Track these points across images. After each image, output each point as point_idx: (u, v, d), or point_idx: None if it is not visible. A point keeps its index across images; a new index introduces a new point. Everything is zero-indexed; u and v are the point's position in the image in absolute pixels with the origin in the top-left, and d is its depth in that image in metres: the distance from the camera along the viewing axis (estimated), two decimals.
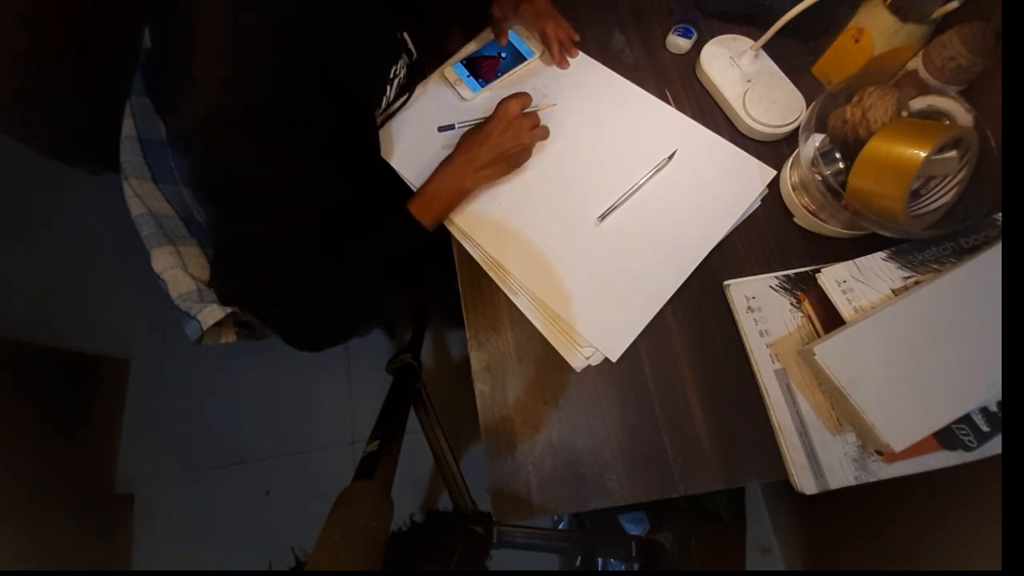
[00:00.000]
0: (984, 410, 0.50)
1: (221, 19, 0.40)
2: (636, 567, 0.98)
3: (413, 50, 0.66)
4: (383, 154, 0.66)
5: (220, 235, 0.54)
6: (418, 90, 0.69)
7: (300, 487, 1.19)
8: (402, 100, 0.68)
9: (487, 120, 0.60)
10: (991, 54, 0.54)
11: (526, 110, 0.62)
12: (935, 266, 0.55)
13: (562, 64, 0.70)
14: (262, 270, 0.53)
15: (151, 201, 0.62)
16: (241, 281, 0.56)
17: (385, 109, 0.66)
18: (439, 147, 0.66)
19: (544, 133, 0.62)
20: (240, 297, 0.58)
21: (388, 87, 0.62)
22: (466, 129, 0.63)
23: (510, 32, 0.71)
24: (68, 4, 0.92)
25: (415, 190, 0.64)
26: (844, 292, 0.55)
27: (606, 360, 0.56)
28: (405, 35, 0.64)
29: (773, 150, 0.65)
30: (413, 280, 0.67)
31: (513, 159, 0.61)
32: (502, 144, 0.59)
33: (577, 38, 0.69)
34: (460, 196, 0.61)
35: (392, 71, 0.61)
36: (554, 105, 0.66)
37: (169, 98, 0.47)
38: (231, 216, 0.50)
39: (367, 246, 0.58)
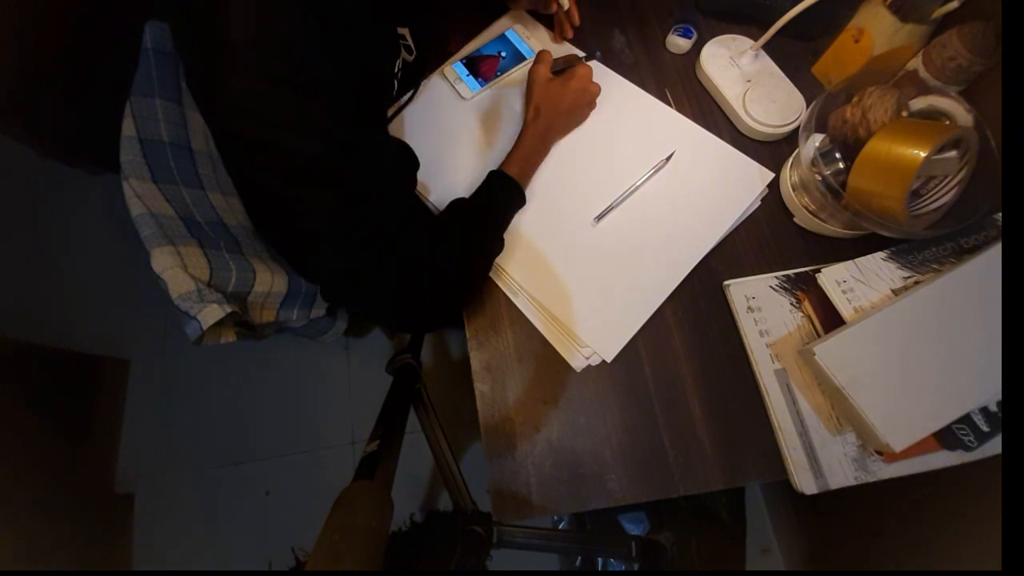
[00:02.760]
0: (984, 410, 0.50)
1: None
2: (636, 567, 0.98)
3: (412, 47, 0.66)
4: None
5: (311, 218, 0.48)
6: (418, 89, 0.69)
7: (300, 487, 1.19)
8: (406, 98, 0.68)
9: (558, 78, 0.63)
10: (991, 54, 0.54)
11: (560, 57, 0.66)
12: (935, 266, 0.55)
13: (555, 39, 0.72)
14: (367, 243, 0.48)
15: (151, 201, 0.62)
16: (334, 267, 0.51)
17: (394, 102, 0.66)
18: (438, 146, 0.66)
19: (598, 88, 0.65)
20: (335, 283, 0.56)
21: (395, 81, 0.62)
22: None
23: (509, 31, 0.71)
24: (68, 4, 0.92)
25: (417, 191, 0.64)
26: (844, 292, 0.55)
27: (606, 360, 0.56)
28: (405, 32, 0.64)
29: (773, 150, 0.65)
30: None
31: (586, 109, 0.66)
32: (577, 96, 0.63)
33: (577, 22, 0.69)
34: (546, 154, 0.64)
35: (396, 66, 0.61)
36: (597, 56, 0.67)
37: (207, 77, 0.44)
38: (317, 186, 0.45)
39: (469, 214, 0.57)
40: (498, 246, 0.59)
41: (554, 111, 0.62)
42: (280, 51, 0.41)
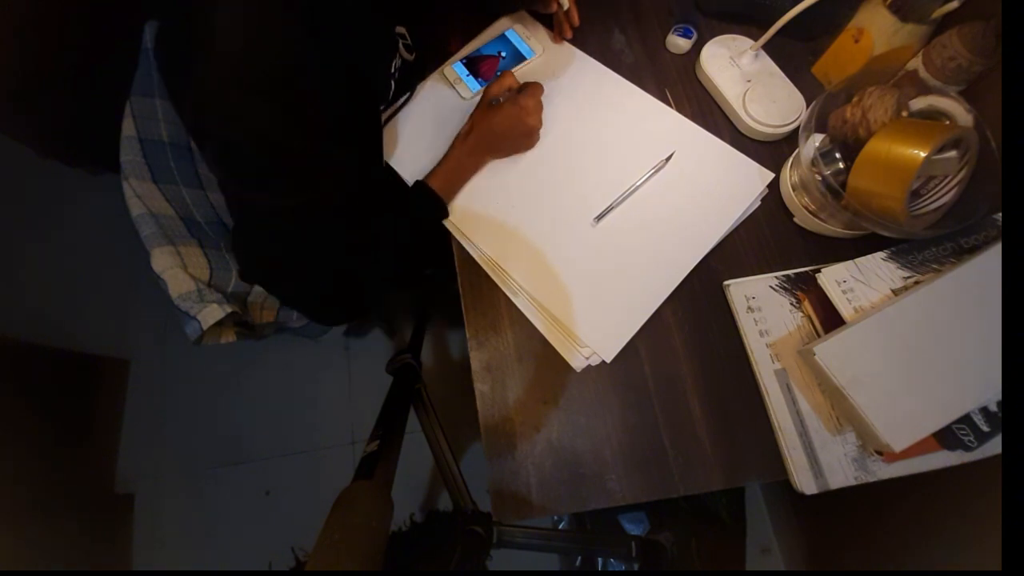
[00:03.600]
0: (984, 410, 0.50)
1: None
2: (636, 567, 0.98)
3: (411, 45, 0.66)
4: (383, 154, 0.66)
5: (240, 208, 0.55)
6: (418, 89, 0.69)
7: (300, 487, 1.19)
8: (403, 99, 0.68)
9: (504, 102, 0.63)
10: (991, 54, 0.54)
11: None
12: (935, 266, 0.55)
13: (555, 39, 0.71)
14: (281, 243, 0.54)
15: (151, 201, 0.62)
16: (259, 252, 0.57)
17: (390, 104, 0.66)
18: (437, 146, 0.66)
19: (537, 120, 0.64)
20: (257, 266, 0.59)
21: (391, 81, 0.62)
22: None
23: (509, 31, 0.71)
24: (68, 4, 0.92)
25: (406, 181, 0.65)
26: (844, 292, 0.55)
27: (606, 360, 0.56)
28: (403, 31, 0.64)
29: (773, 150, 0.65)
30: (418, 276, 0.69)
31: (521, 139, 0.64)
32: (512, 123, 0.62)
33: (577, 23, 0.69)
34: (475, 170, 0.64)
35: (392, 66, 0.61)
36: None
37: (189, 71, 0.47)
38: (253, 187, 0.50)
39: (387, 221, 0.59)
40: (412, 254, 0.63)
41: (487, 131, 0.61)
42: (263, 63, 0.42)
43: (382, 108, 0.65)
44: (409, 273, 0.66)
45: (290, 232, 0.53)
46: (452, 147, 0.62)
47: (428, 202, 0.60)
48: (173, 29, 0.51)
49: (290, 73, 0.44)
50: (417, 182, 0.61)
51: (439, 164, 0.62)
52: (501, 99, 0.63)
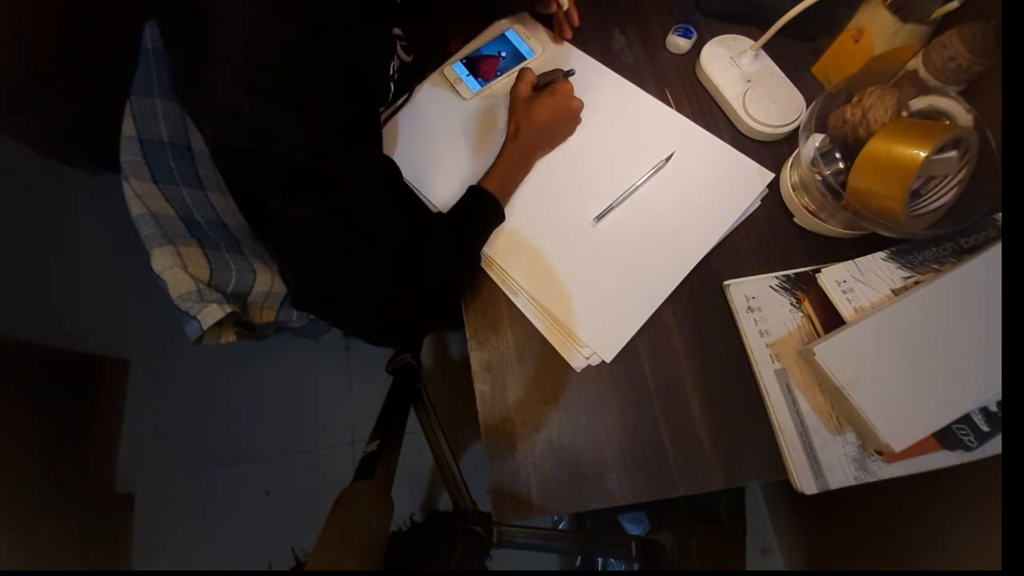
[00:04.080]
0: (984, 410, 0.50)
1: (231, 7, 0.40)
2: (636, 567, 0.98)
3: (409, 47, 0.66)
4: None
5: (284, 230, 0.50)
6: (417, 89, 0.69)
7: (300, 487, 1.19)
8: (401, 100, 0.68)
9: (537, 95, 0.63)
10: (991, 54, 0.54)
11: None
12: (935, 266, 0.55)
13: (555, 39, 0.71)
14: (335, 262, 0.49)
15: (151, 201, 0.62)
16: (312, 278, 0.52)
17: (389, 105, 0.66)
18: (438, 146, 0.66)
19: (580, 103, 0.65)
20: (312, 295, 0.54)
21: (391, 83, 0.62)
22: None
23: (509, 31, 0.71)
24: (68, 4, 0.92)
25: (415, 188, 0.64)
26: (844, 292, 0.55)
27: (606, 360, 0.56)
28: (400, 32, 0.64)
29: (773, 150, 0.65)
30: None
31: (569, 124, 0.65)
32: (558, 112, 0.62)
33: (577, 23, 0.69)
34: (527, 171, 0.64)
35: (391, 67, 0.61)
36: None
37: (203, 95, 0.45)
38: (293, 199, 0.46)
39: (446, 229, 0.57)
40: (475, 260, 0.60)
41: (534, 128, 0.61)
42: (265, 64, 0.42)
43: (381, 110, 0.65)
44: (467, 280, 0.61)
45: (341, 248, 0.48)
46: (502, 152, 0.61)
47: (487, 206, 0.59)
48: (175, 38, 0.49)
49: (296, 75, 0.43)
50: (472, 187, 0.59)
51: (492, 168, 0.61)
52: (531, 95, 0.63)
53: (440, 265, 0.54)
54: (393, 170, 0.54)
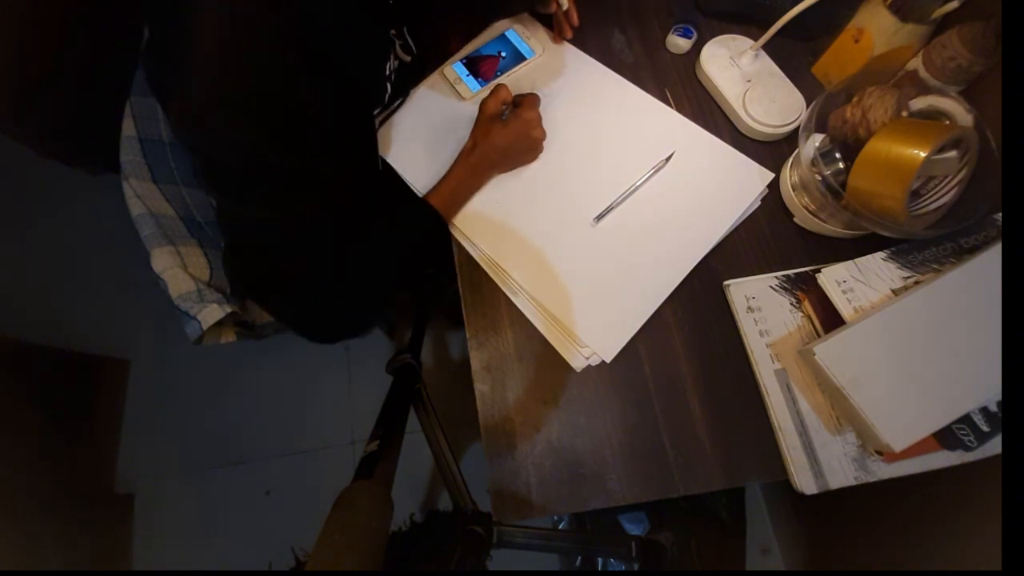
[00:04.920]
0: (984, 410, 0.50)
1: (220, 4, 0.41)
2: (636, 567, 0.98)
3: (412, 46, 0.66)
4: (382, 152, 0.66)
5: (228, 221, 0.54)
6: (417, 89, 0.69)
7: (300, 487, 1.19)
8: (398, 102, 0.67)
9: (500, 117, 0.62)
10: (991, 54, 0.54)
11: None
12: (935, 266, 0.55)
13: (555, 39, 0.71)
14: (270, 256, 0.53)
15: (151, 201, 0.62)
16: (249, 267, 0.56)
17: (386, 107, 0.65)
18: (436, 146, 0.66)
19: (541, 133, 0.64)
20: (248, 282, 0.57)
21: (387, 84, 0.62)
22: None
23: (509, 31, 0.71)
24: (69, 4, 0.92)
25: (414, 188, 0.64)
26: (844, 292, 0.55)
27: (606, 360, 0.56)
28: (402, 31, 0.64)
29: (773, 150, 0.65)
30: (418, 276, 0.66)
31: (526, 153, 0.64)
32: (516, 139, 0.61)
33: (577, 23, 0.69)
34: (479, 188, 0.63)
35: (388, 68, 0.61)
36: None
37: (172, 84, 0.47)
38: (238, 201, 0.49)
39: (383, 235, 0.58)
40: (411, 269, 0.62)
41: (490, 148, 0.61)
42: (240, 78, 0.42)
43: (378, 112, 0.64)
44: (409, 276, 0.64)
45: (276, 246, 0.52)
46: (455, 164, 0.61)
47: (428, 221, 0.60)
48: (159, 40, 0.51)
49: (269, 87, 0.43)
50: (420, 199, 0.60)
51: (442, 181, 0.61)
52: (504, 114, 0.62)
53: (370, 268, 0.57)
54: (347, 173, 0.55)
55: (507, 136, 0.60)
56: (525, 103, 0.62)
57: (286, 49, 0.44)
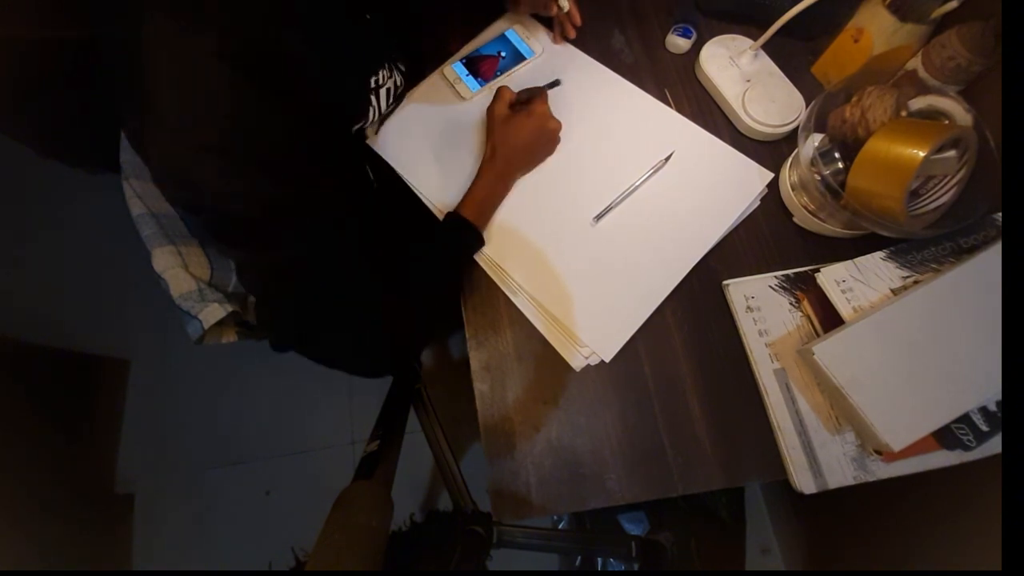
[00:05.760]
0: (983, 410, 0.50)
1: (171, 47, 0.38)
2: (636, 567, 0.98)
3: (406, 53, 0.65)
4: (382, 153, 0.66)
5: (254, 275, 0.49)
6: (417, 89, 0.69)
7: (300, 487, 1.19)
8: (390, 108, 0.66)
9: (514, 115, 0.61)
10: (990, 54, 0.54)
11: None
12: (934, 266, 0.55)
13: (555, 39, 0.71)
14: (311, 302, 0.48)
15: (151, 201, 0.62)
16: (282, 317, 0.51)
17: (377, 118, 0.64)
18: (437, 146, 0.66)
19: (557, 124, 0.63)
20: (283, 334, 0.52)
21: (374, 97, 0.59)
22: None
23: (509, 31, 0.71)
24: (69, 3, 0.92)
25: (415, 189, 0.64)
26: (843, 292, 0.55)
27: (605, 360, 0.56)
28: (396, 43, 0.62)
29: (772, 150, 0.65)
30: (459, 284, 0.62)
31: (546, 146, 0.64)
32: (534, 134, 0.61)
33: (579, 22, 0.68)
34: (506, 193, 0.62)
35: (373, 82, 0.58)
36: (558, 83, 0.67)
37: (141, 137, 0.44)
38: (255, 249, 0.46)
39: (424, 259, 0.56)
40: (453, 289, 0.60)
41: (511, 150, 0.60)
42: (201, 118, 0.40)
43: (370, 123, 0.62)
44: (450, 305, 0.61)
45: (310, 286, 0.48)
46: (480, 174, 0.60)
47: (464, 234, 0.58)
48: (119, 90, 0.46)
49: (230, 123, 0.40)
50: (450, 213, 0.58)
51: (469, 192, 0.59)
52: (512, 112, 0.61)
53: (419, 301, 0.55)
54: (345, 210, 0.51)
55: (525, 134, 0.60)
56: (533, 98, 0.62)
57: (249, 85, 0.40)
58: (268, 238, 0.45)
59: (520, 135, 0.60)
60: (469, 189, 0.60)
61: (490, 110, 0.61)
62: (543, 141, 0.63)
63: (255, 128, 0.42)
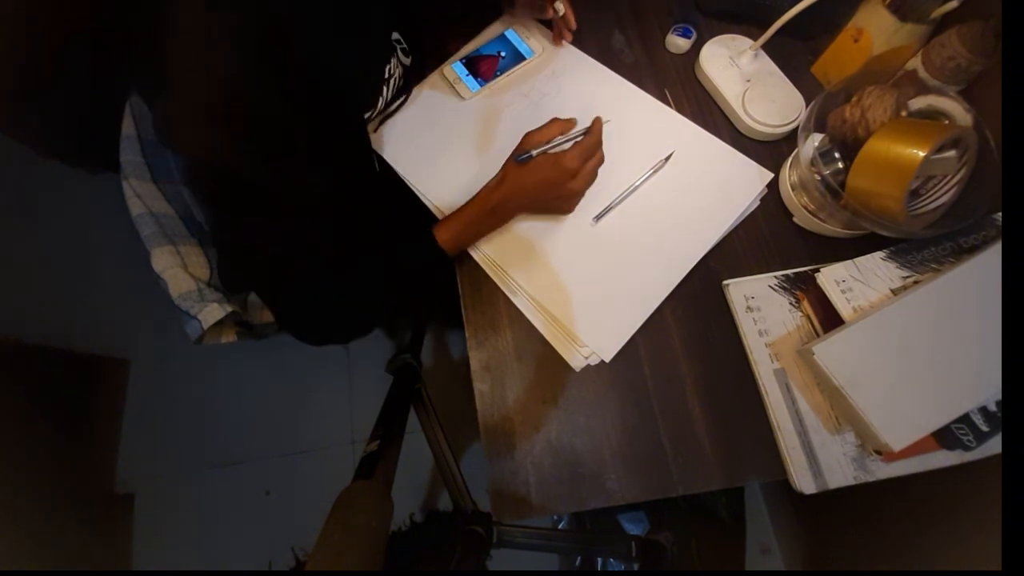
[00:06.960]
0: (983, 410, 0.50)
1: (196, 19, 0.41)
2: (636, 567, 0.98)
3: (408, 49, 0.66)
4: (382, 152, 0.66)
5: (220, 232, 0.54)
6: (417, 89, 0.69)
7: (300, 487, 1.19)
8: (400, 101, 0.68)
9: (538, 157, 0.55)
10: (990, 54, 0.54)
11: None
12: (934, 266, 0.55)
13: (554, 41, 0.70)
14: (264, 266, 0.53)
15: (151, 201, 0.62)
16: (244, 275, 0.56)
17: (383, 110, 0.65)
18: (437, 146, 0.66)
19: (579, 187, 0.56)
20: (243, 288, 0.58)
21: (384, 87, 0.61)
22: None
23: (509, 31, 0.71)
24: (69, 3, 0.92)
25: (415, 188, 0.64)
26: (843, 292, 0.55)
27: (605, 360, 0.56)
28: (399, 36, 0.64)
29: (772, 150, 0.65)
30: (421, 292, 0.63)
31: (556, 202, 0.58)
32: (545, 187, 0.55)
33: (574, 27, 0.68)
34: (496, 228, 0.59)
35: (387, 71, 0.61)
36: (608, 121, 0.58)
37: (151, 92, 0.47)
38: (227, 213, 0.50)
39: (381, 260, 0.56)
40: (403, 299, 0.61)
41: (517, 188, 0.55)
42: (217, 86, 0.42)
43: (375, 114, 0.64)
44: (416, 293, 0.61)
45: (267, 254, 0.51)
46: (474, 199, 0.56)
47: (429, 254, 0.56)
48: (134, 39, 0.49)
49: (243, 99, 0.43)
50: (426, 232, 0.55)
51: (457, 212, 0.56)
52: (534, 153, 0.54)
53: (362, 294, 0.56)
54: (339, 189, 0.54)
55: (536, 180, 0.54)
56: (580, 146, 0.54)
57: (264, 63, 0.43)
58: (241, 207, 0.48)
59: (531, 178, 0.54)
60: (459, 209, 0.57)
61: (527, 136, 0.56)
62: (554, 195, 0.56)
63: (259, 104, 0.44)
